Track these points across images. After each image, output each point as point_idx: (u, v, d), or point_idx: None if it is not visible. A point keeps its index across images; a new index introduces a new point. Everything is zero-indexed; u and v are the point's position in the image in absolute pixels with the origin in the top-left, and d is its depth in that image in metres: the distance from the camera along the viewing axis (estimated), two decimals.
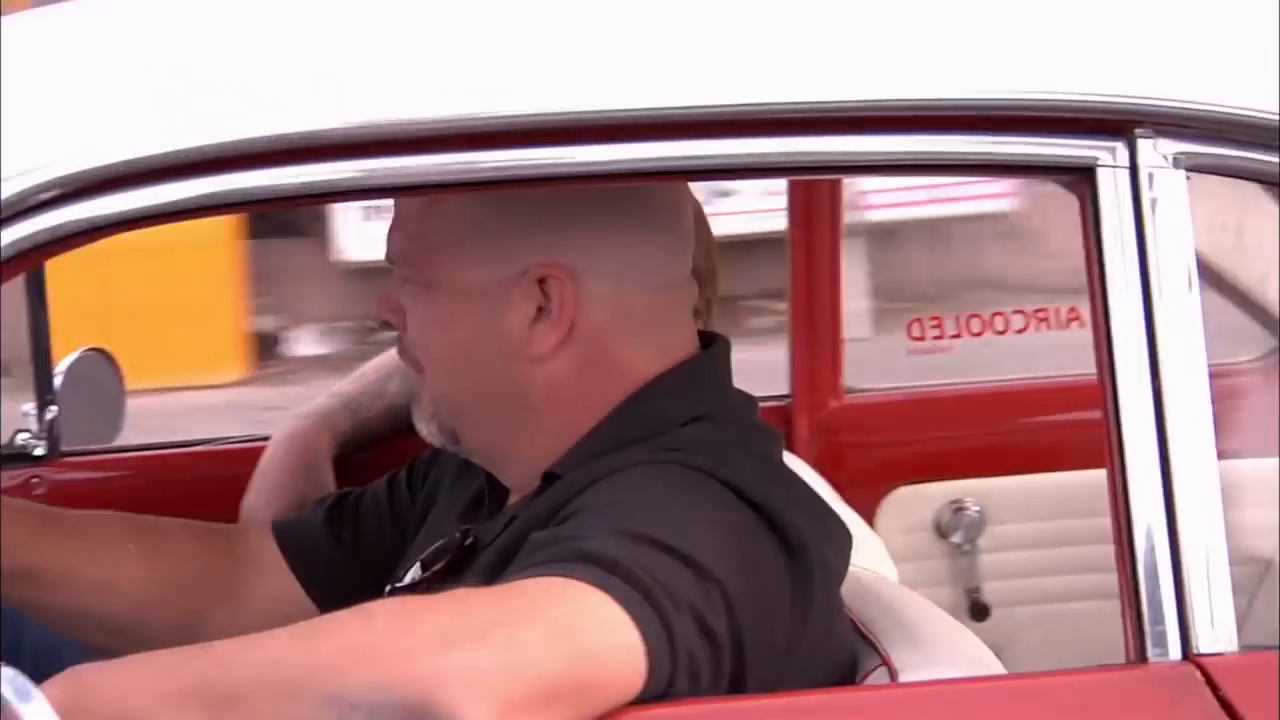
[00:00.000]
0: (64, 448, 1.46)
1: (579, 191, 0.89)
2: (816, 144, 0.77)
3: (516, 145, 0.74)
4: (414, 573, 0.97)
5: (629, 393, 0.92)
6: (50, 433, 1.46)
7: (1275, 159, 0.78)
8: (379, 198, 0.87)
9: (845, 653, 0.89)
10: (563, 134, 0.75)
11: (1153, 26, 0.83)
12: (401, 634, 0.68)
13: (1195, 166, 0.77)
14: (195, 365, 4.32)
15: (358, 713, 0.66)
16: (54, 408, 1.46)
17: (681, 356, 0.95)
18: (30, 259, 0.70)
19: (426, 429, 1.00)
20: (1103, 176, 0.76)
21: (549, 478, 0.90)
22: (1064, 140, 0.78)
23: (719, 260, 1.36)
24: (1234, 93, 0.78)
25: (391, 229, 0.96)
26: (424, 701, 0.65)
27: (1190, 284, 0.76)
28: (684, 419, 0.91)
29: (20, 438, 1.47)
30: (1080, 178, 0.77)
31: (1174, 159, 0.77)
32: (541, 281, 0.89)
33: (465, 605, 0.73)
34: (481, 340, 0.92)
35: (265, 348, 5.44)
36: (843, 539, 0.93)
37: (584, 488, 0.85)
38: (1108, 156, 0.76)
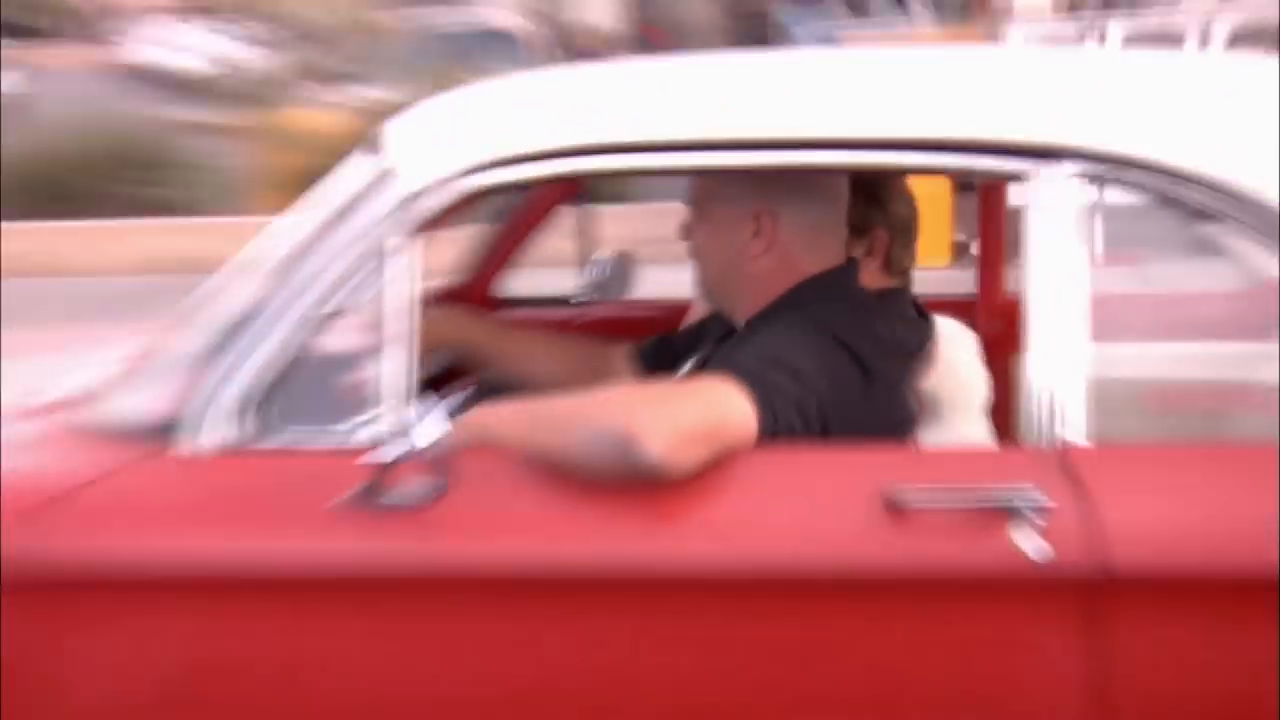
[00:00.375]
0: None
1: (785, 171, 1.65)
2: (884, 158, 1.51)
3: (748, 150, 1.53)
4: (682, 374, 1.82)
5: (796, 282, 1.66)
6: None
7: (1145, 179, 1.42)
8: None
9: (900, 432, 1.65)
10: (781, 145, 1.50)
11: (1068, 97, 1.48)
12: (631, 400, 1.44)
13: (1086, 177, 1.42)
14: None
15: (600, 437, 1.34)
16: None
17: (828, 265, 1.69)
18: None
19: (701, 298, 1.86)
20: (1045, 177, 1.43)
21: (748, 324, 1.71)
22: (1016, 161, 1.45)
23: (917, 210, 2.06)
24: (1117, 139, 1.42)
25: (690, 188, 1.78)
26: (630, 434, 1.32)
27: (1071, 237, 1.42)
28: (820, 298, 1.65)
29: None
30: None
31: (1072, 175, 1.42)
32: (757, 217, 1.67)
33: (667, 390, 1.53)
34: (725, 248, 1.70)
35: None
36: (908, 372, 1.68)
37: (757, 329, 1.64)
38: (1064, 168, 1.43)
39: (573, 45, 15.36)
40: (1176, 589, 1.35)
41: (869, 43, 9.40)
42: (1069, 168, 1.42)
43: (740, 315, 1.72)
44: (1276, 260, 1.38)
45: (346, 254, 1.49)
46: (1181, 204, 1.42)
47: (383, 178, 1.51)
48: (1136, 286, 2.43)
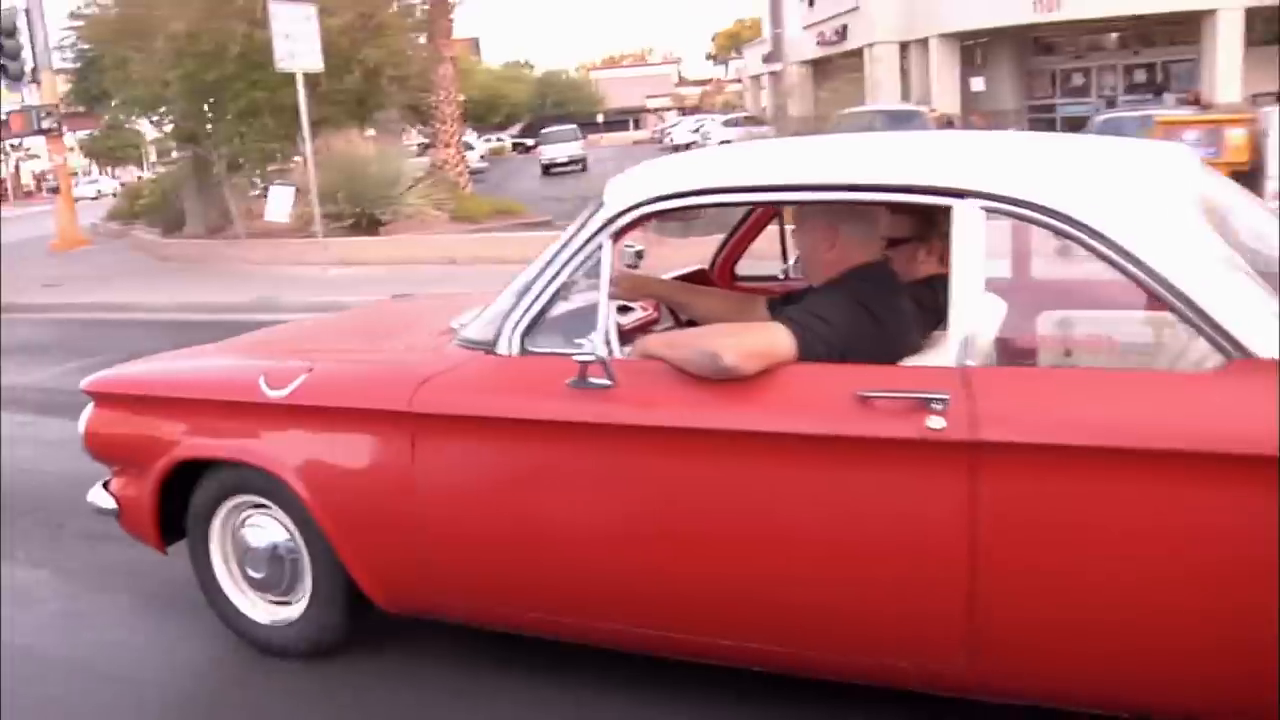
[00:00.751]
0: None
1: (840, 204, 2.71)
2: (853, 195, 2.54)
3: (827, 190, 2.61)
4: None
5: (847, 269, 2.72)
6: None
7: (1025, 214, 2.35)
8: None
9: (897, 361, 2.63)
10: (827, 188, 2.58)
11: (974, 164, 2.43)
12: (721, 332, 2.60)
13: (991, 211, 2.38)
14: None
15: (701, 353, 2.47)
16: None
17: (867, 260, 2.71)
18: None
19: (802, 275, 2.96)
20: (963, 210, 2.40)
21: (814, 290, 2.77)
22: (948, 198, 2.43)
23: None
24: (1015, 187, 2.37)
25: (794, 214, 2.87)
26: (715, 352, 2.44)
27: (978, 254, 2.37)
28: (858, 278, 2.68)
29: None
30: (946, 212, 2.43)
31: (985, 211, 2.38)
32: (830, 229, 2.73)
33: (745, 327, 2.65)
34: (810, 248, 2.79)
35: None
36: (911, 333, 2.66)
37: (817, 293, 2.71)
38: (968, 203, 2.40)
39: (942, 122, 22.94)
40: (1022, 451, 2.28)
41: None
42: (973, 204, 2.38)
43: (815, 284, 2.80)
44: (1111, 262, 2.28)
45: (580, 249, 2.71)
46: (1050, 228, 2.35)
47: (599, 207, 2.72)
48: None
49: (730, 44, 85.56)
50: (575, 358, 2.60)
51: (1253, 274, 2.26)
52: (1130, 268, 2.27)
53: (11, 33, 19.46)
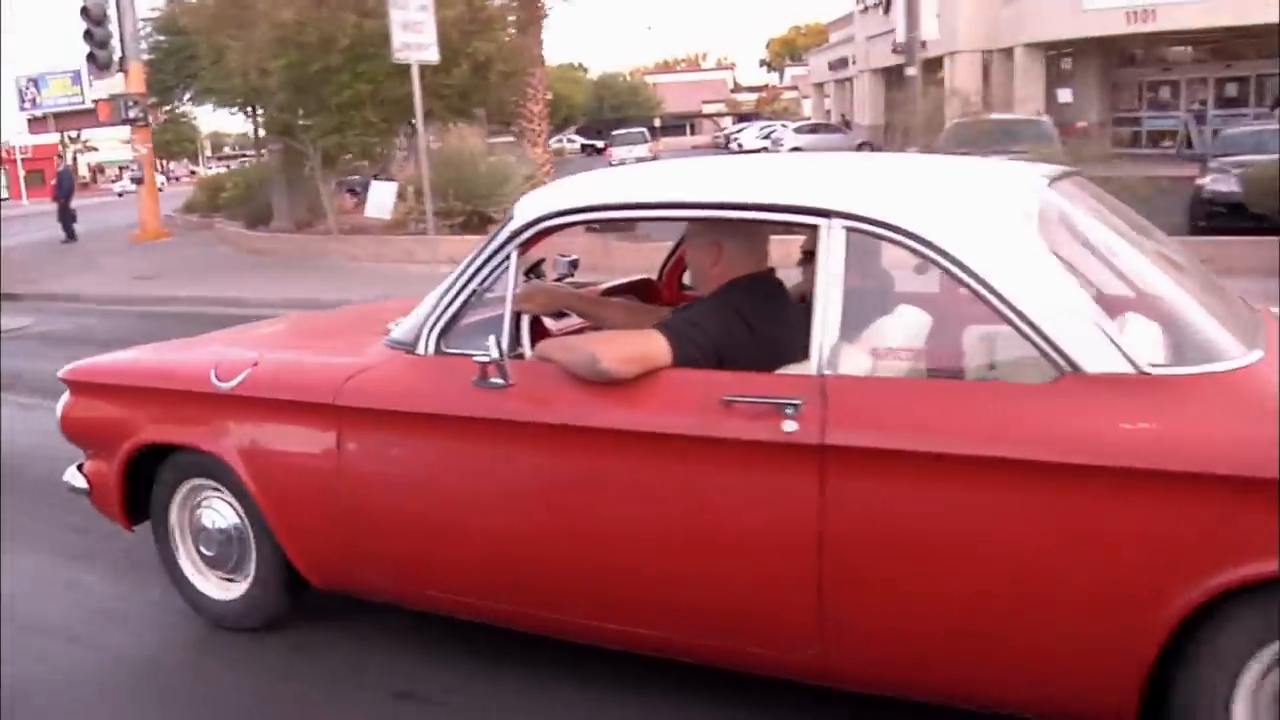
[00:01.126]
0: None
1: (722, 222, 2.86)
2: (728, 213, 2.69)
3: (707, 209, 2.78)
4: None
5: (729, 280, 2.87)
6: None
7: (880, 233, 2.49)
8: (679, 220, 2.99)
9: (769, 365, 2.77)
10: (721, 207, 2.76)
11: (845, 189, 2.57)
12: (603, 339, 2.77)
13: (851, 230, 2.51)
14: None
15: (586, 356, 2.64)
16: None
17: (748, 271, 2.86)
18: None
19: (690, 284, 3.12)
20: (828, 229, 2.55)
21: (699, 300, 2.93)
22: (815, 217, 2.57)
23: None
24: (873, 208, 2.50)
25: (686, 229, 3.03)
26: (595, 356, 2.64)
27: (839, 270, 2.51)
28: (736, 289, 2.83)
29: None
30: (813, 230, 2.57)
31: (846, 230, 2.52)
32: (715, 245, 2.88)
33: (624, 335, 2.83)
34: (698, 261, 2.95)
35: None
36: (794, 339, 2.80)
37: (699, 303, 2.87)
38: (835, 225, 2.54)
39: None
40: (865, 454, 2.41)
41: None
42: (838, 224, 2.52)
43: (703, 295, 2.96)
44: (959, 280, 2.41)
45: (490, 258, 2.91)
46: (905, 247, 2.48)
47: (509, 220, 2.91)
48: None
49: (785, 50, 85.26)
50: (476, 358, 2.80)
51: (1086, 293, 2.37)
52: (974, 285, 2.40)
53: (100, 21, 19.71)
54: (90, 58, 20.05)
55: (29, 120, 67.57)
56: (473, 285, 2.94)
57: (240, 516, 3.36)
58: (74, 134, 64.59)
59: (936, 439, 2.36)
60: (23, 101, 67.85)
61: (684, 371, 2.66)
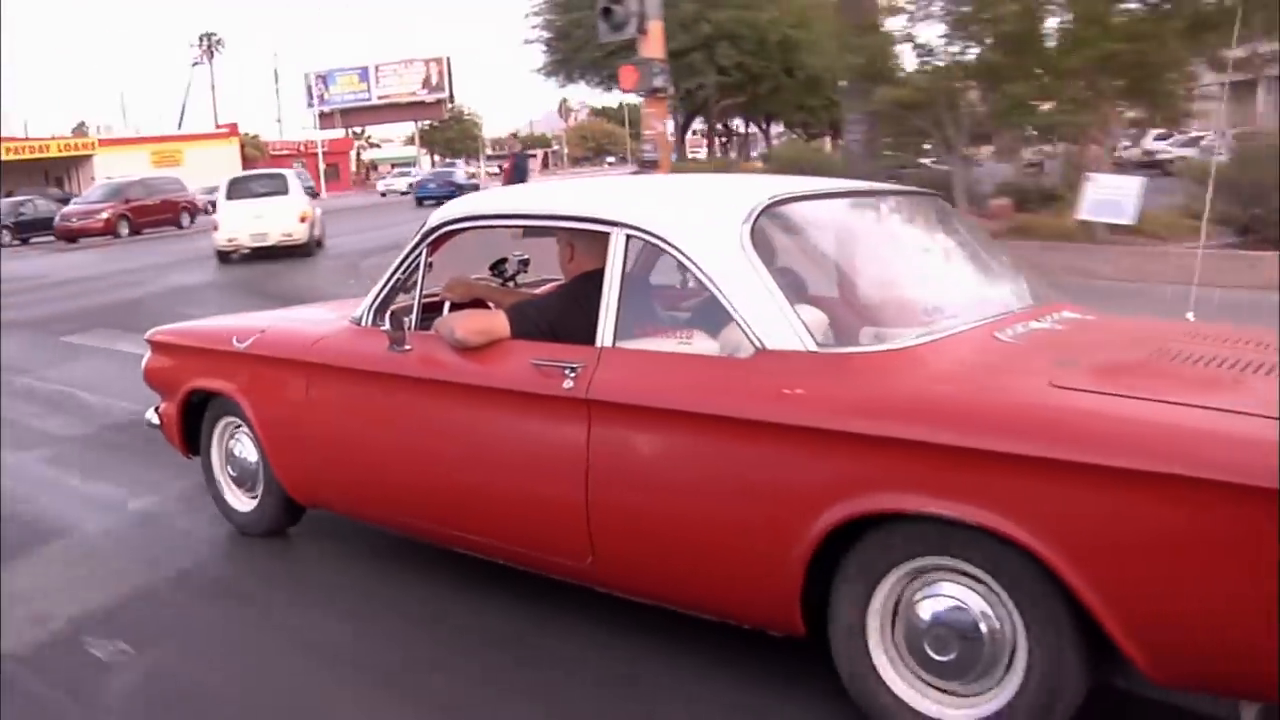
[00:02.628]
0: None
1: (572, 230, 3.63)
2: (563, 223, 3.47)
3: (543, 219, 3.58)
4: None
5: (579, 273, 3.62)
6: None
7: (645, 238, 3.21)
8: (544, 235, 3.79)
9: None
10: (552, 218, 3.56)
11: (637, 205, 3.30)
12: (461, 316, 3.58)
13: (631, 239, 3.24)
14: None
15: (449, 329, 3.49)
16: None
17: (592, 268, 3.59)
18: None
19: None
20: (613, 236, 3.28)
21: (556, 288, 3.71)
22: (606, 227, 3.31)
23: None
24: (640, 219, 3.23)
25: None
26: (453, 328, 3.46)
27: (621, 264, 3.24)
28: (583, 281, 3.57)
29: None
30: (604, 236, 3.31)
31: (626, 237, 3.25)
32: (570, 246, 3.66)
33: (475, 313, 3.65)
34: (561, 259, 3.74)
35: None
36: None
37: (554, 291, 3.66)
38: (618, 233, 3.28)
39: None
40: (616, 407, 3.13)
41: None
42: (620, 231, 3.26)
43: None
44: (695, 277, 3.10)
45: (410, 253, 3.80)
46: (661, 250, 3.20)
47: (422, 226, 3.80)
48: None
49: None
50: (389, 329, 3.69)
51: (779, 287, 2.99)
52: (703, 280, 3.09)
53: None
54: (605, 13, 16.08)
55: (319, 115, 70.14)
56: (399, 275, 3.84)
57: (256, 446, 4.39)
58: (358, 130, 68.10)
59: (662, 397, 3.06)
60: (310, 98, 70.63)
61: (516, 342, 3.45)
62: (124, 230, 29.93)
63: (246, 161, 54.48)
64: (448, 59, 71.34)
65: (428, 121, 77.56)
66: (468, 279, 4.25)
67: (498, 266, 4.44)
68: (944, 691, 2.77)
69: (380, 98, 71.29)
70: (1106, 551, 2.44)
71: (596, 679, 3.24)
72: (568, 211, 3.48)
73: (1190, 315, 3.75)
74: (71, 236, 29.27)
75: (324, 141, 68.67)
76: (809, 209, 3.42)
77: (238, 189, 19.74)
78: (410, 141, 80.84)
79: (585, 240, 3.60)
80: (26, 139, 55.92)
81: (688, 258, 3.12)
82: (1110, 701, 2.76)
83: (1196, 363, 2.89)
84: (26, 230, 32.44)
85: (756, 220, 3.10)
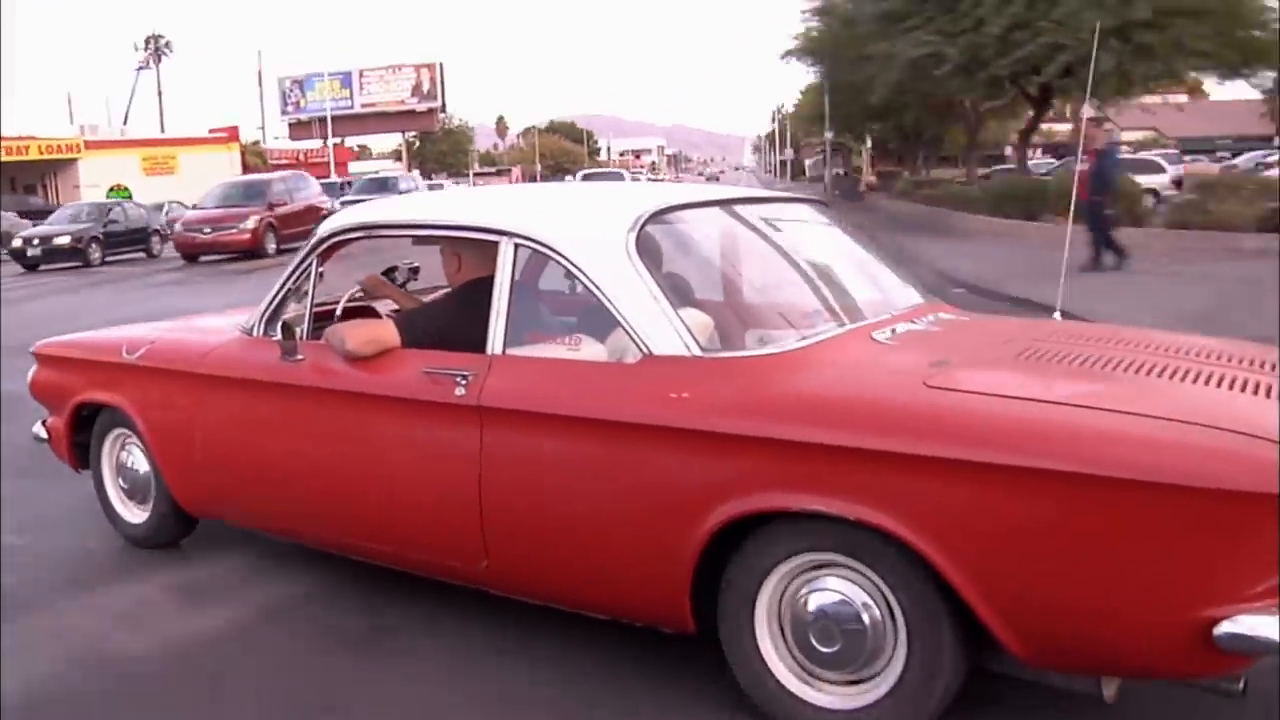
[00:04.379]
0: None
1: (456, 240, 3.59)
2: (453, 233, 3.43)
3: (432, 229, 3.54)
4: None
5: (465, 281, 3.58)
6: None
7: (534, 247, 3.19)
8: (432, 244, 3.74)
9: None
10: (441, 227, 3.51)
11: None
12: (351, 326, 3.52)
13: (519, 249, 3.22)
14: None
15: (340, 338, 3.44)
16: None
17: (480, 276, 3.54)
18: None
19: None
20: (502, 245, 3.26)
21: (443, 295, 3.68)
22: (496, 236, 3.28)
23: None
24: (528, 229, 3.20)
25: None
26: (344, 338, 3.40)
27: (510, 273, 3.22)
28: (469, 288, 3.53)
29: None
30: (494, 245, 3.28)
31: (515, 246, 3.22)
32: (455, 256, 3.62)
33: (365, 322, 3.59)
34: (447, 267, 3.71)
35: None
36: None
37: (439, 298, 3.62)
38: (507, 242, 3.25)
39: None
40: (506, 414, 3.10)
41: None
42: (509, 241, 3.23)
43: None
44: (585, 286, 3.09)
45: (301, 263, 3.71)
46: (549, 258, 3.18)
47: (313, 235, 3.72)
48: None
49: None
50: (281, 339, 3.60)
51: (664, 294, 3.00)
52: (592, 289, 3.07)
53: None
54: None
55: (290, 125, 64.33)
56: (289, 284, 3.75)
57: (148, 458, 4.25)
58: (337, 140, 60.26)
59: (553, 403, 3.04)
60: (286, 104, 64.35)
61: (407, 351, 3.39)
62: (270, 245, 22.53)
63: (247, 169, 48.46)
64: (440, 65, 65.42)
65: (414, 133, 70.71)
66: (374, 278, 4.17)
67: (388, 274, 4.38)
68: (830, 681, 2.81)
69: (365, 105, 64.55)
70: (978, 543, 2.51)
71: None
72: (457, 221, 3.44)
73: (1057, 315, 3.86)
74: (194, 253, 22.69)
75: (324, 150, 59.98)
76: (694, 217, 3.44)
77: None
78: (396, 155, 72.54)
79: (473, 249, 3.56)
80: (8, 138, 46.01)
81: (575, 266, 3.11)
82: (985, 683, 2.82)
83: (1062, 361, 2.98)
84: (118, 245, 25.22)
85: (642, 228, 3.10)
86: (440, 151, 67.55)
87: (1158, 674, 2.58)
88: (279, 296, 3.77)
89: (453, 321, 3.46)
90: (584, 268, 3.08)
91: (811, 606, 2.78)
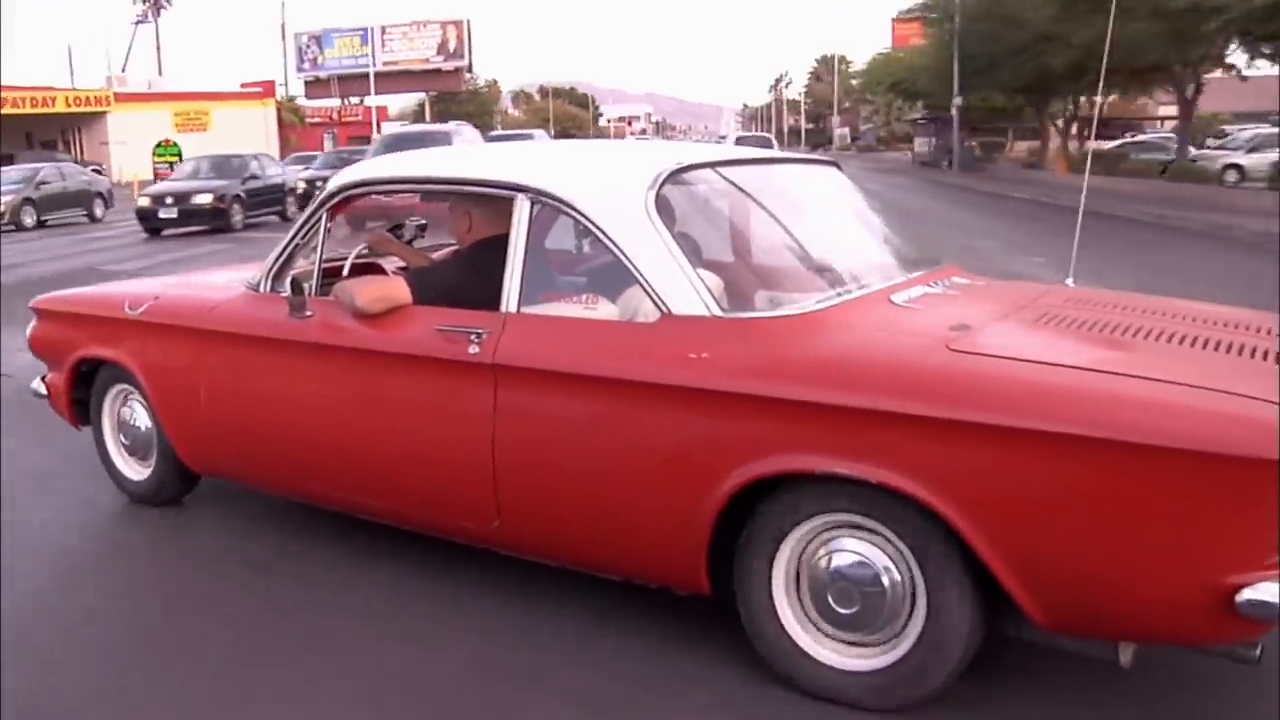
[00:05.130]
0: None
1: (469, 196, 3.53)
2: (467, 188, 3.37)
3: (442, 183, 3.47)
4: None
5: (476, 240, 3.52)
6: None
7: (551, 203, 3.13)
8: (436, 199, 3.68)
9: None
10: (452, 182, 3.45)
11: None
12: (363, 282, 3.44)
13: (536, 204, 3.16)
14: None
15: (349, 295, 3.36)
16: None
17: (492, 234, 3.49)
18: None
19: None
20: (518, 201, 3.20)
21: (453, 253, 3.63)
22: (512, 191, 3.22)
23: None
24: (546, 184, 3.14)
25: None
26: (353, 295, 3.33)
27: (526, 230, 3.16)
28: (480, 247, 3.48)
29: None
30: (509, 201, 3.22)
31: (531, 202, 3.16)
32: (466, 214, 3.56)
33: (375, 279, 3.53)
34: (457, 226, 3.63)
35: None
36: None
37: (450, 257, 3.56)
38: (523, 198, 3.19)
39: None
40: (522, 372, 3.06)
41: None
42: (525, 197, 3.17)
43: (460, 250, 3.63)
44: (601, 242, 3.03)
45: (310, 219, 3.64)
46: (568, 215, 3.12)
47: (323, 190, 3.64)
48: None
49: None
50: (290, 295, 3.54)
51: (683, 254, 2.95)
52: (611, 247, 3.02)
53: None
54: None
55: (305, 83, 59.76)
56: (297, 240, 3.68)
57: (150, 414, 4.18)
58: (356, 99, 57.62)
59: (570, 362, 2.99)
60: (302, 61, 59.15)
61: (419, 308, 3.33)
62: None
63: (282, 127, 45.81)
64: (468, 21, 59.74)
65: (434, 92, 64.16)
66: (381, 234, 4.10)
67: (395, 231, 4.30)
68: (847, 643, 2.79)
69: (386, 64, 57.82)
70: (1000, 507, 2.48)
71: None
72: (472, 175, 3.37)
73: (1070, 281, 3.83)
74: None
75: (364, 109, 56.39)
76: (713, 176, 3.37)
77: None
78: (418, 116, 65.34)
79: (485, 207, 3.49)
80: (27, 88, 42.52)
81: (594, 223, 3.05)
82: (1003, 647, 2.81)
83: (1078, 326, 2.95)
84: (256, 205, 21.39)
85: (661, 186, 3.05)
86: (466, 113, 59.65)
87: (1179, 640, 2.57)
88: (286, 252, 3.70)
89: (465, 279, 3.40)
90: (603, 225, 3.03)
91: (830, 568, 2.76)
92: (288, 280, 3.64)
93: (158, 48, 68.10)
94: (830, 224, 3.49)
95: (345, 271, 3.79)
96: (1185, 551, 2.36)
